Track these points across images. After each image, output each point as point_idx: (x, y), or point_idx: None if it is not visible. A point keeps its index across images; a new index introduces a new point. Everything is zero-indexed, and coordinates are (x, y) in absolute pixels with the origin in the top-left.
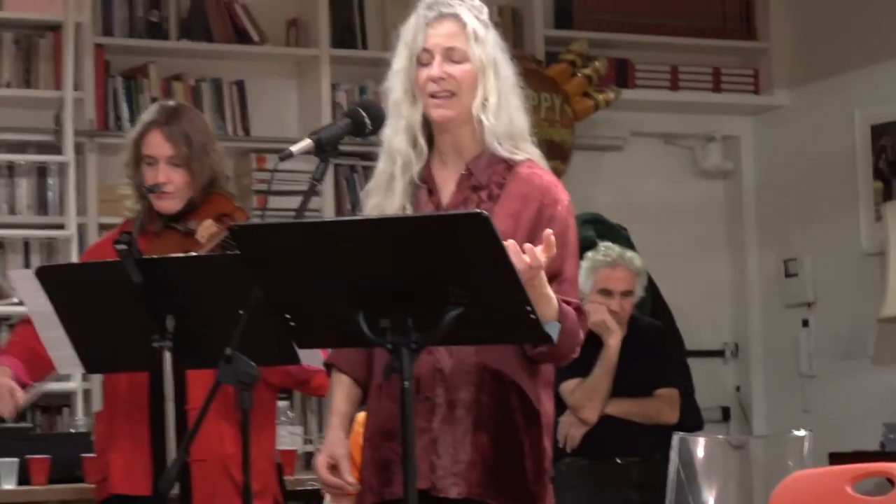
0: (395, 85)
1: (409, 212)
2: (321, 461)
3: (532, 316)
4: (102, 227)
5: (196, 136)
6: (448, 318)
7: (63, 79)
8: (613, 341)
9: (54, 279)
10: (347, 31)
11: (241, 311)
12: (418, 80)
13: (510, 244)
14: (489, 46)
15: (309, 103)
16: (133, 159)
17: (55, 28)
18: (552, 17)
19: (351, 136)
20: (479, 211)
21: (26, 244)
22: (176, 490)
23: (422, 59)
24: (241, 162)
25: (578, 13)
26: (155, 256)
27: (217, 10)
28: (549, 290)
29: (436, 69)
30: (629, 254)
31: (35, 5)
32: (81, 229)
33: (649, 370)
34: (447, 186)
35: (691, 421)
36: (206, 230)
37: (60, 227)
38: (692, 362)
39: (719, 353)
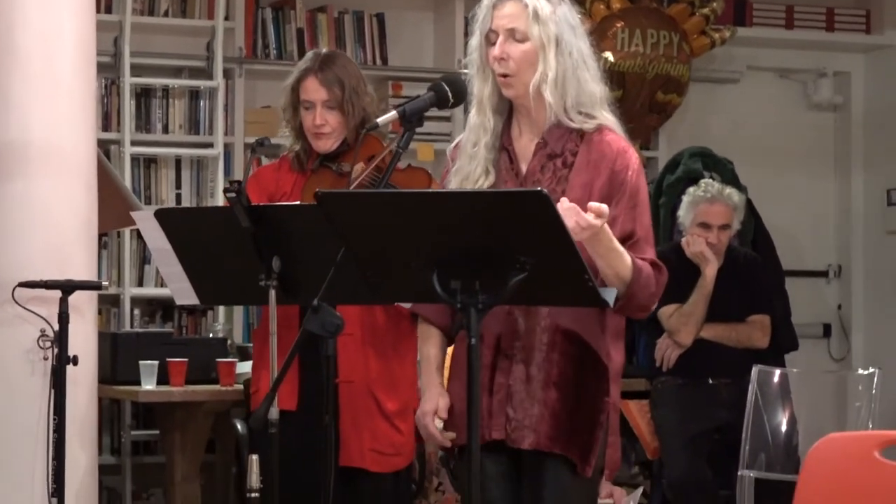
0: (470, 62)
1: (492, 176)
2: (427, 412)
3: (589, 283)
4: (248, 147)
5: (348, 80)
6: (512, 283)
7: (216, 9)
8: (710, 271)
9: (171, 221)
10: None
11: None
12: (488, 59)
13: (569, 207)
14: (552, 24)
15: (443, 35)
16: (290, 104)
17: None
18: None
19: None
20: (538, 189)
21: (178, 161)
22: None
23: (490, 38)
24: (378, 89)
25: None
26: (285, 203)
27: None
28: (618, 245)
29: (497, 49)
30: (728, 190)
31: None
32: (228, 148)
33: (743, 298)
34: (526, 154)
35: (787, 342)
36: (357, 173)
37: (209, 146)
38: (797, 282)
39: (823, 274)
